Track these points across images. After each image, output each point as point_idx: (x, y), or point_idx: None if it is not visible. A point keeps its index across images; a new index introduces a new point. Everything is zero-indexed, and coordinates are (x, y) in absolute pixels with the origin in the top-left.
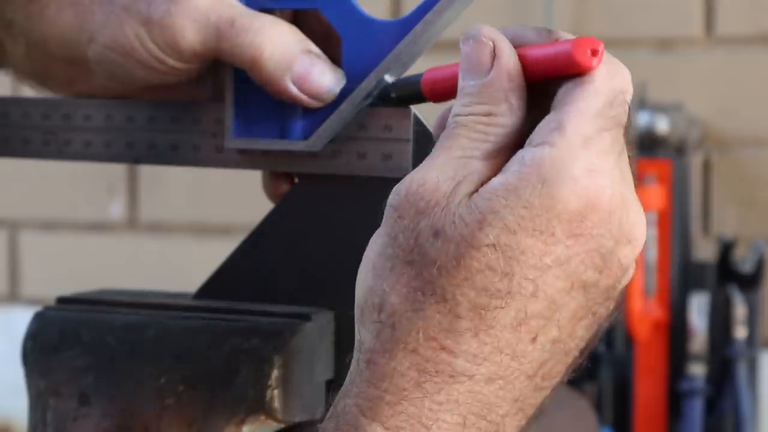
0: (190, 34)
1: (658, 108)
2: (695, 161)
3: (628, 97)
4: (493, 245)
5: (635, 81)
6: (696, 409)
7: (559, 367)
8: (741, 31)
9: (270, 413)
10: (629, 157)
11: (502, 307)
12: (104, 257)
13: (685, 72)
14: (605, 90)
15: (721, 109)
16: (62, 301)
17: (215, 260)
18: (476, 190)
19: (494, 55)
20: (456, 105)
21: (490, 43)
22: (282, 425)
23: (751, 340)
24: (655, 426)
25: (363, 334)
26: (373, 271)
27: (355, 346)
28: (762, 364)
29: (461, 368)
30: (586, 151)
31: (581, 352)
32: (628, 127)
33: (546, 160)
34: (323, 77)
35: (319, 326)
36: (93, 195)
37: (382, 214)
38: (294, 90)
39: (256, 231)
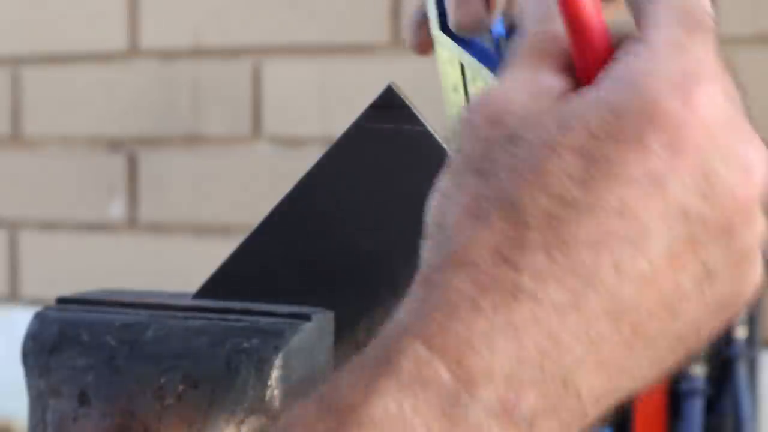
0: None
1: None
2: None
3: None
4: (574, 148)
5: None
6: (696, 409)
7: (655, 325)
8: (741, 31)
9: (270, 413)
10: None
11: (579, 220)
12: (104, 257)
13: None
14: None
15: None
16: (62, 301)
17: (215, 260)
18: (556, 105)
19: None
20: (522, 23)
21: None
22: None
23: (751, 340)
24: (654, 426)
25: (422, 256)
26: (439, 194)
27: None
28: (762, 364)
29: (525, 287)
30: (680, 56)
31: (694, 327)
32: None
33: (637, 66)
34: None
35: (319, 326)
36: (93, 195)
37: (382, 213)
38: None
39: (256, 231)
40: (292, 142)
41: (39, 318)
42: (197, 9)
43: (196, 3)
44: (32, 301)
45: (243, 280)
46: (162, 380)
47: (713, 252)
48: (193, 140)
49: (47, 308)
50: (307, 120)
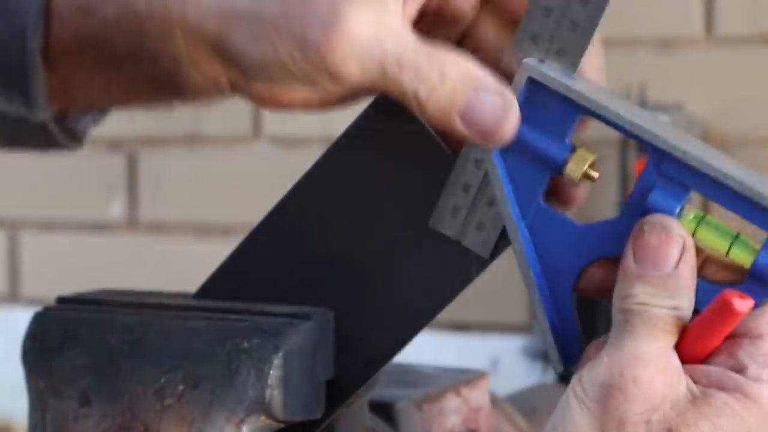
0: (349, 65)
1: (658, 108)
2: None
3: None
4: None
5: (635, 81)
6: None
7: None
8: (741, 31)
9: (270, 413)
10: None
11: None
12: (104, 257)
13: (685, 72)
14: None
15: (721, 109)
16: (62, 301)
17: (215, 260)
18: (691, 392)
19: (683, 249)
20: (635, 291)
21: (681, 239)
22: (282, 425)
23: None
24: None
25: None
26: None
27: None
28: None
29: None
30: None
31: None
32: None
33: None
34: (486, 108)
35: (319, 326)
36: (93, 195)
37: (382, 212)
38: (460, 126)
39: (255, 231)
40: (292, 142)
41: (39, 318)
42: None
43: None
44: (32, 301)
45: (243, 280)
46: (162, 380)
47: None
48: (193, 140)
49: (47, 308)
50: (307, 120)
